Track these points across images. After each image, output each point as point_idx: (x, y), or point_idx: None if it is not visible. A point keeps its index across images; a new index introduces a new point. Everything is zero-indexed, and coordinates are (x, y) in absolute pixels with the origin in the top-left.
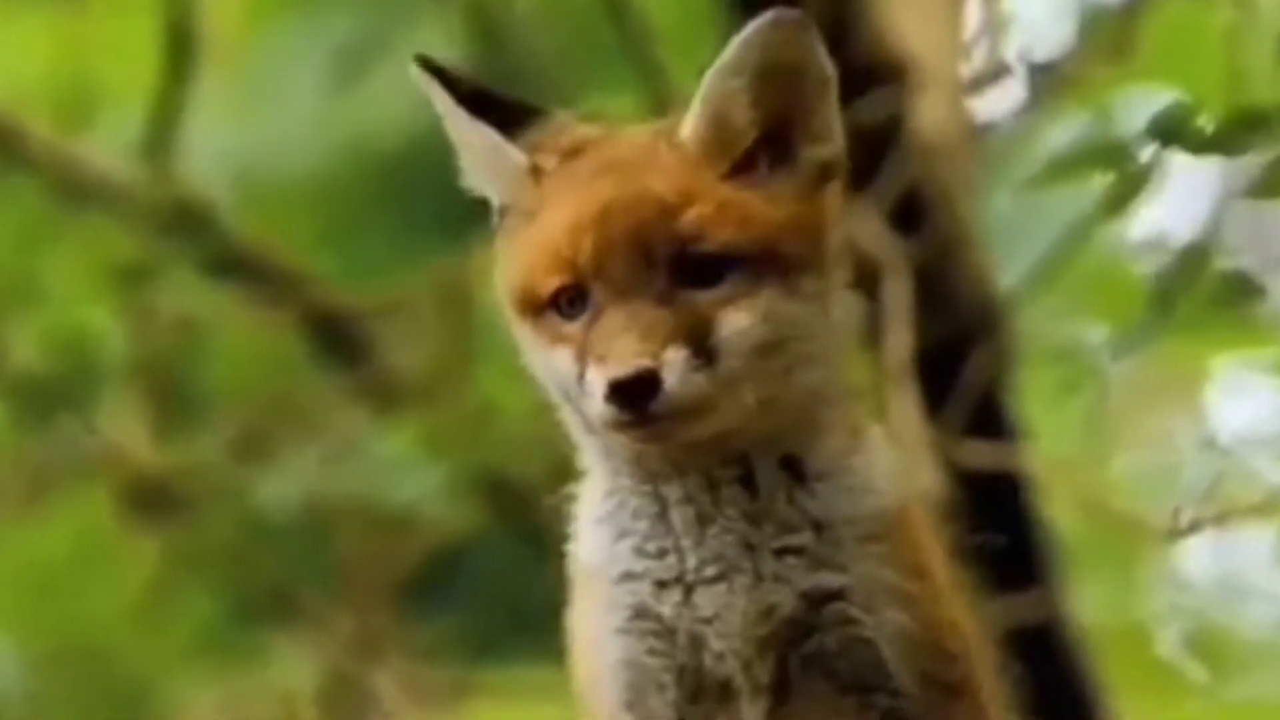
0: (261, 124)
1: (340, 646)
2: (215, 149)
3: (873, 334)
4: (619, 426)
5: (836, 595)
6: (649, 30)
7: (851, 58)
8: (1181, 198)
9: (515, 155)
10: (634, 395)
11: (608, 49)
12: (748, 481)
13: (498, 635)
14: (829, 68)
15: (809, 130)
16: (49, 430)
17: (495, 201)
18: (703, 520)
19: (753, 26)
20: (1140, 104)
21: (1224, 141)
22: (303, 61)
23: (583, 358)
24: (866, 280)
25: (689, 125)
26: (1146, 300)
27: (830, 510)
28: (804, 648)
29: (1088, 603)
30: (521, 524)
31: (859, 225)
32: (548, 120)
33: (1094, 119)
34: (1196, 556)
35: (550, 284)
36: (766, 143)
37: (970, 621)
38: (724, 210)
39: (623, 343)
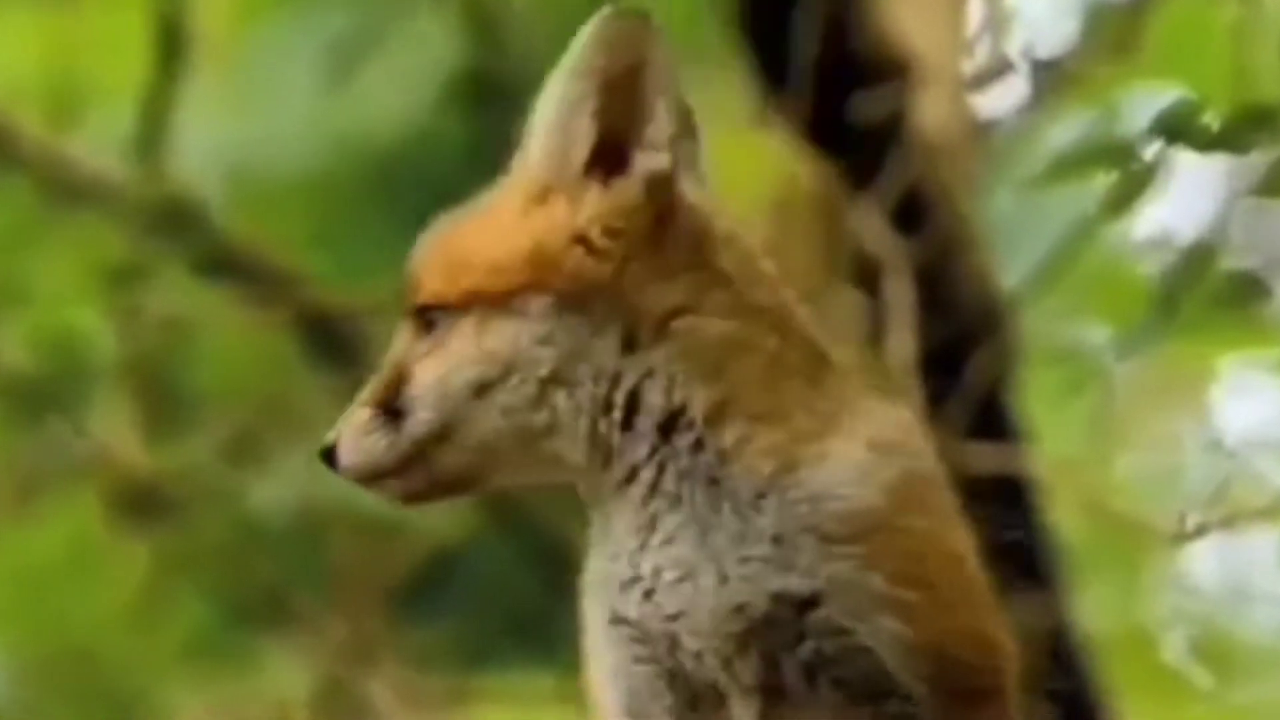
0: (253, 121)
1: (334, 652)
2: (206, 146)
3: (874, 334)
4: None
5: (814, 602)
6: None
7: (852, 54)
8: (1186, 196)
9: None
10: (332, 462)
11: None
12: (673, 499)
13: (493, 641)
14: (672, 65)
15: (642, 138)
16: (38, 432)
17: None
18: (649, 526)
19: (595, 23)
20: (1145, 101)
21: (1229, 139)
22: (295, 57)
23: None
24: (868, 280)
25: (531, 140)
26: (1151, 300)
27: (783, 524)
28: (799, 653)
29: (1092, 607)
30: (517, 528)
31: (861, 224)
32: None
33: (1098, 116)
34: (1202, 560)
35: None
36: (600, 153)
37: (1001, 627)
38: (447, 257)
39: (353, 414)
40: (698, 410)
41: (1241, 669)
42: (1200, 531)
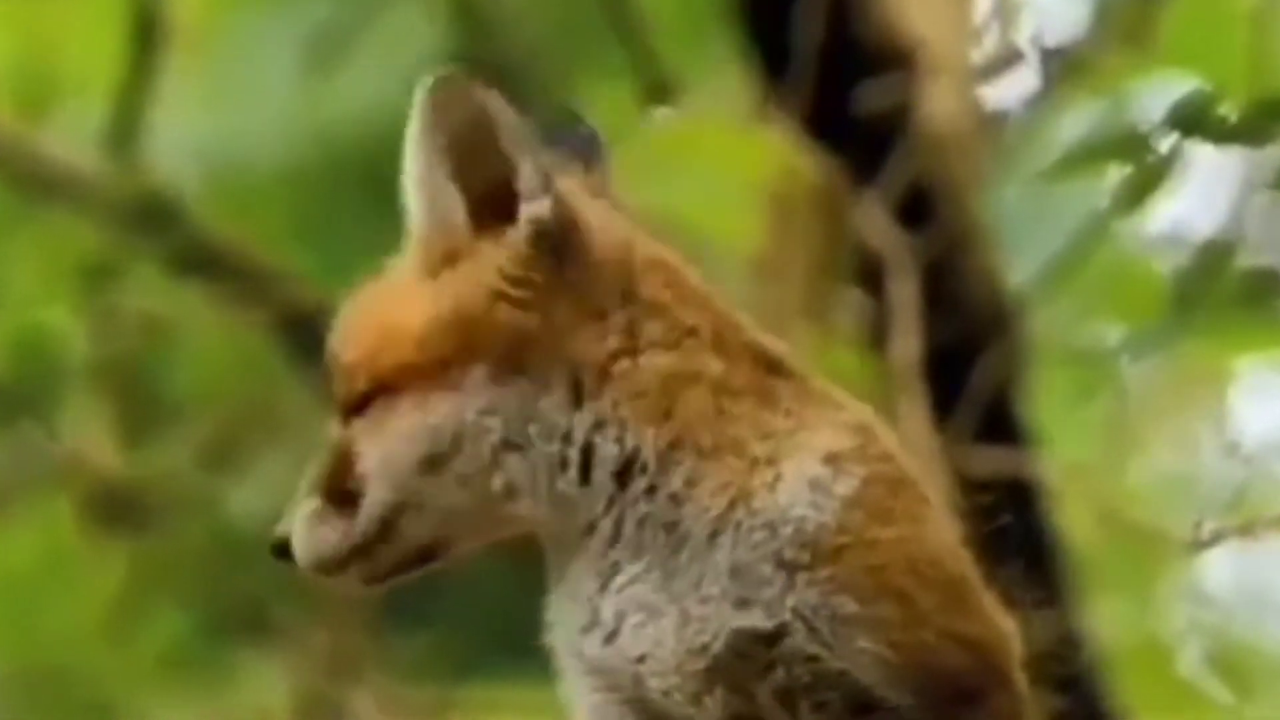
0: (232, 113)
1: (315, 663)
2: (183, 140)
3: (879, 335)
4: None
5: (778, 636)
6: (644, 13)
7: (855, 43)
8: (1203, 191)
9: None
10: (284, 554)
11: (600, 33)
12: (633, 547)
13: (479, 651)
14: (516, 117)
15: (520, 186)
16: (8, 437)
17: None
18: (608, 571)
19: (420, 96)
20: (1159, 92)
21: (1247, 131)
22: (275, 48)
23: None
24: (871, 278)
25: (414, 218)
26: (1165, 299)
27: (740, 555)
28: (771, 681)
29: (1105, 619)
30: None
31: (864, 220)
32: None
33: (1110, 108)
34: (1219, 569)
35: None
36: (481, 212)
37: (987, 619)
38: (378, 339)
39: (300, 500)
40: (649, 454)
41: (1260, 682)
42: (1217, 539)
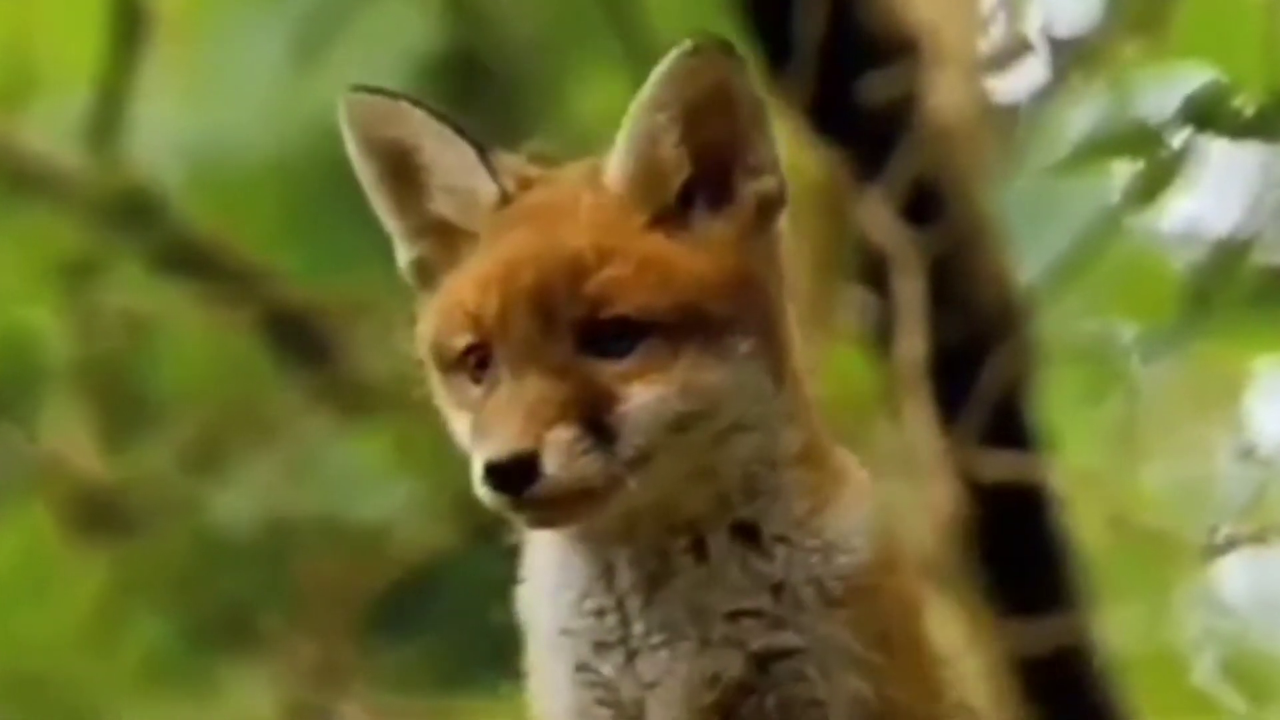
0: (216, 106)
1: (302, 674)
2: (166, 133)
3: (883, 335)
4: (499, 510)
5: (789, 654)
6: (641, 3)
7: (859, 32)
8: (1217, 186)
9: (492, 188)
10: (510, 479)
11: (596, 24)
12: (699, 549)
13: (471, 662)
14: (760, 93)
15: (745, 164)
16: None
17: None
18: (653, 583)
19: (672, 56)
20: (1172, 84)
21: (1263, 126)
22: (261, 39)
23: (474, 430)
24: (876, 276)
25: (614, 167)
26: (1179, 298)
27: (790, 573)
28: (742, 710)
29: (1117, 626)
30: (498, 543)
31: (868, 216)
32: (494, 157)
33: (1122, 101)
34: (1234, 576)
35: (459, 341)
36: (700, 183)
37: (945, 701)
38: (643, 269)
39: (505, 421)
40: (789, 453)
41: (1276, 690)
42: (1232, 545)
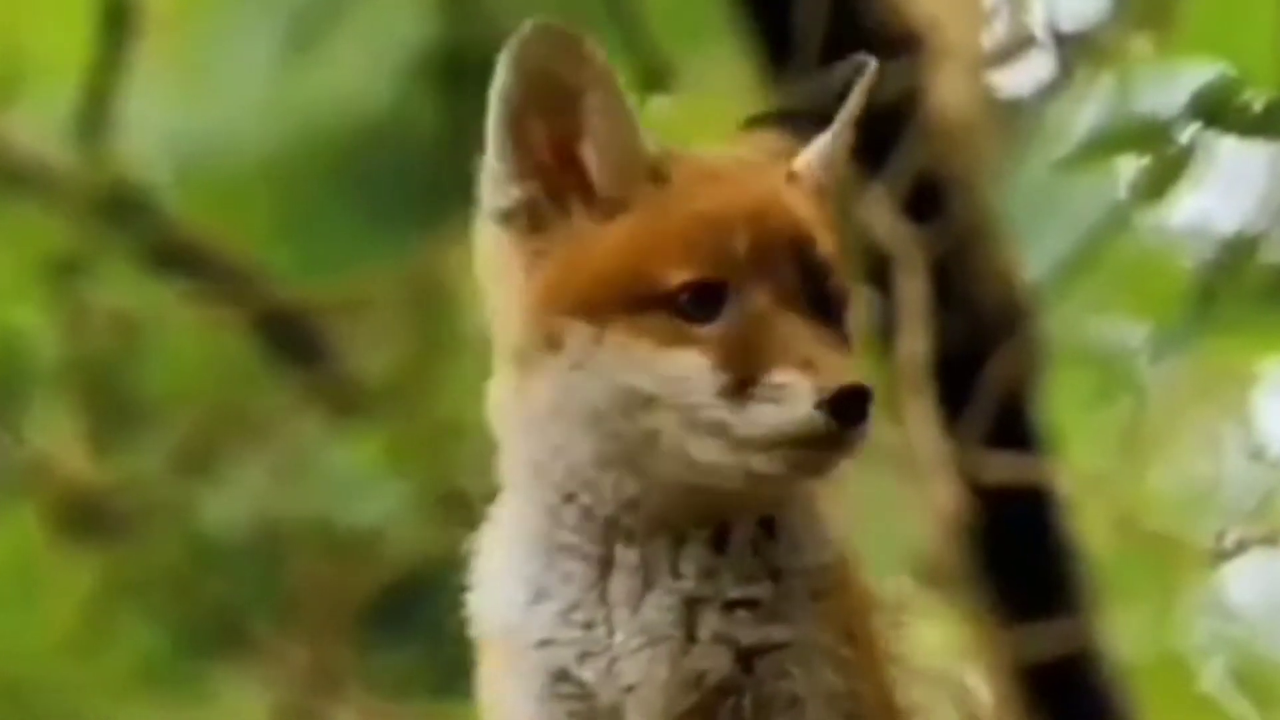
0: (207, 101)
1: (295, 679)
2: (156, 128)
3: (884, 333)
4: (798, 443)
5: (775, 648)
6: None
7: (861, 27)
8: (1226, 183)
9: (649, 144)
10: (855, 409)
11: (593, 17)
12: (719, 540)
13: (467, 667)
14: None
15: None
16: None
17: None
18: (646, 586)
19: (868, 75)
20: (1180, 79)
21: (1273, 121)
22: (253, 32)
23: (739, 363)
24: (878, 274)
25: (807, 159)
26: (1188, 296)
27: (790, 559)
28: (719, 712)
29: (1123, 632)
30: None
31: (869, 213)
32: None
33: (1128, 96)
34: (1243, 581)
35: (676, 276)
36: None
37: (893, 701)
38: (837, 255)
39: (832, 355)
40: None
41: None
42: (1241, 549)
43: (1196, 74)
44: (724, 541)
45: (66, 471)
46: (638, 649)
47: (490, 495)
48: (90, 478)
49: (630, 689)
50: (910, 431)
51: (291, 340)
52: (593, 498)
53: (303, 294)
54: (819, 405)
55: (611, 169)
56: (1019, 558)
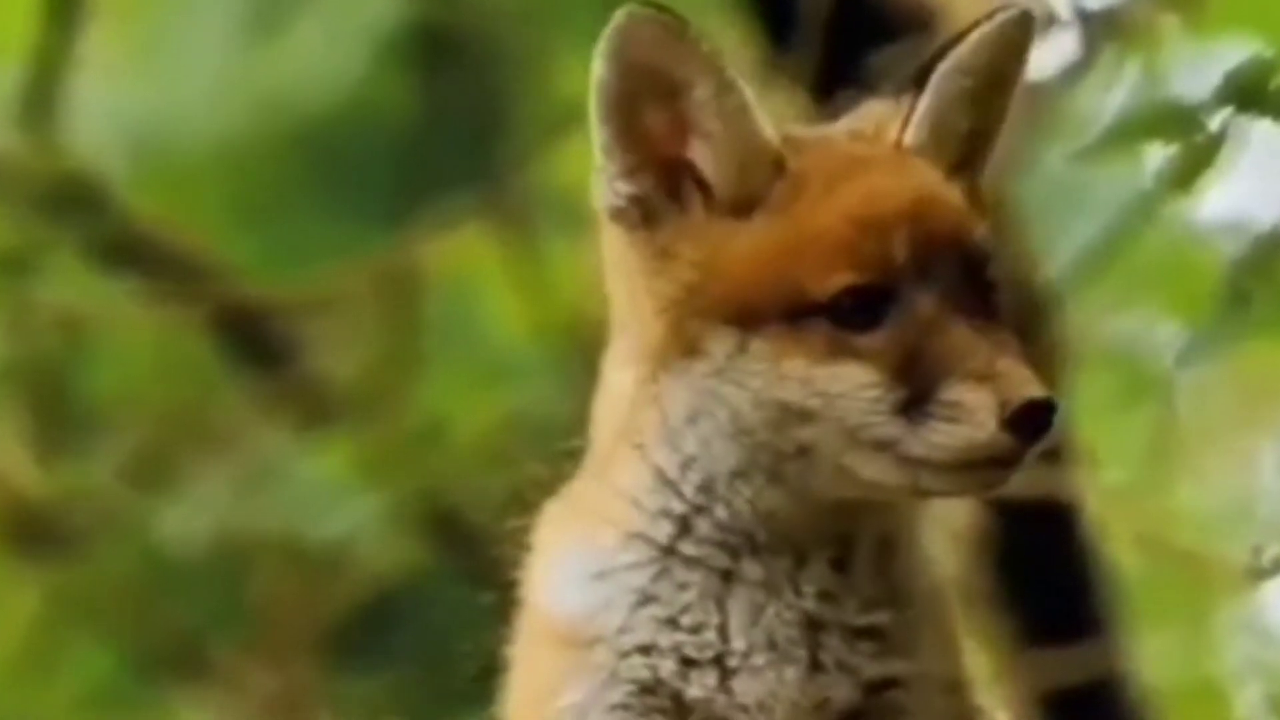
0: (162, 83)
1: (258, 706)
2: (106, 113)
3: None
4: (979, 464)
5: (898, 684)
6: None
7: (868, 5)
8: (1260, 172)
9: (771, 134)
10: (1036, 425)
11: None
12: (838, 563)
13: (443, 693)
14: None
15: (991, 145)
16: None
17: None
18: (769, 599)
19: (993, 25)
20: (1212, 61)
21: None
22: (212, 10)
23: (912, 377)
24: None
25: (915, 132)
26: (1219, 295)
27: (910, 582)
28: None
29: (1153, 656)
30: (472, 563)
31: None
32: None
33: (1157, 79)
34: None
35: (835, 282)
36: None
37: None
38: (989, 234)
39: (1009, 364)
40: None
41: None
42: (1278, 567)
43: (1229, 55)
44: (847, 561)
45: (10, 482)
46: (763, 666)
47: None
48: (36, 489)
49: (746, 709)
50: None
51: (253, 341)
52: (728, 512)
53: (265, 291)
54: (1002, 425)
55: (730, 164)
56: (1040, 576)
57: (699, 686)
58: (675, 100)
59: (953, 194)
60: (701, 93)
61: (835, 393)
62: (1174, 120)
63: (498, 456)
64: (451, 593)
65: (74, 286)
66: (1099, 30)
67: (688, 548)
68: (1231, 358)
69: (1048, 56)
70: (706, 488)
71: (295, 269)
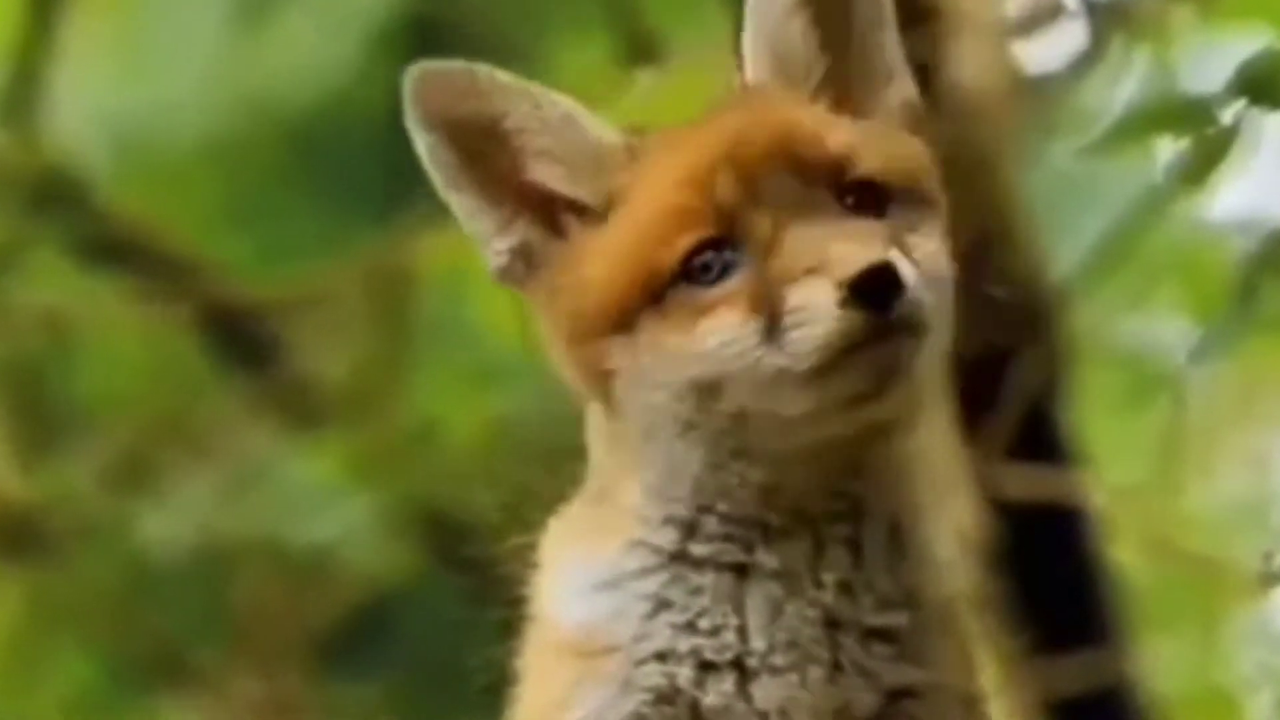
0: (147, 77)
1: (244, 715)
2: (90, 107)
3: None
4: (847, 352)
5: (916, 693)
6: None
7: None
8: (1274, 167)
9: (609, 134)
10: (878, 293)
11: None
12: (854, 544)
13: (432, 701)
14: None
15: (880, 67)
16: None
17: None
18: (787, 593)
19: None
20: (1224, 52)
21: None
22: (198, 3)
23: (764, 302)
24: None
25: (752, 71)
26: (1231, 292)
27: (923, 587)
28: None
29: (1162, 664)
30: (463, 568)
31: None
32: None
33: (1168, 70)
34: None
35: (676, 249)
36: (833, 86)
37: None
38: (866, 137)
39: (841, 246)
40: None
41: None
42: None
43: (1242, 46)
44: (860, 545)
45: None
46: (783, 669)
47: (465, 508)
48: (16, 493)
49: (766, 715)
50: (923, 442)
51: (240, 340)
52: (729, 503)
53: (253, 289)
54: (842, 303)
55: (576, 172)
56: (1046, 582)
57: (716, 693)
58: (500, 137)
59: (791, 112)
60: (518, 117)
61: (713, 350)
62: (1185, 114)
63: (490, 459)
64: (443, 598)
65: (56, 285)
66: (1107, 20)
67: (697, 548)
68: (1241, 357)
69: (1054, 47)
70: (701, 490)
71: (283, 267)
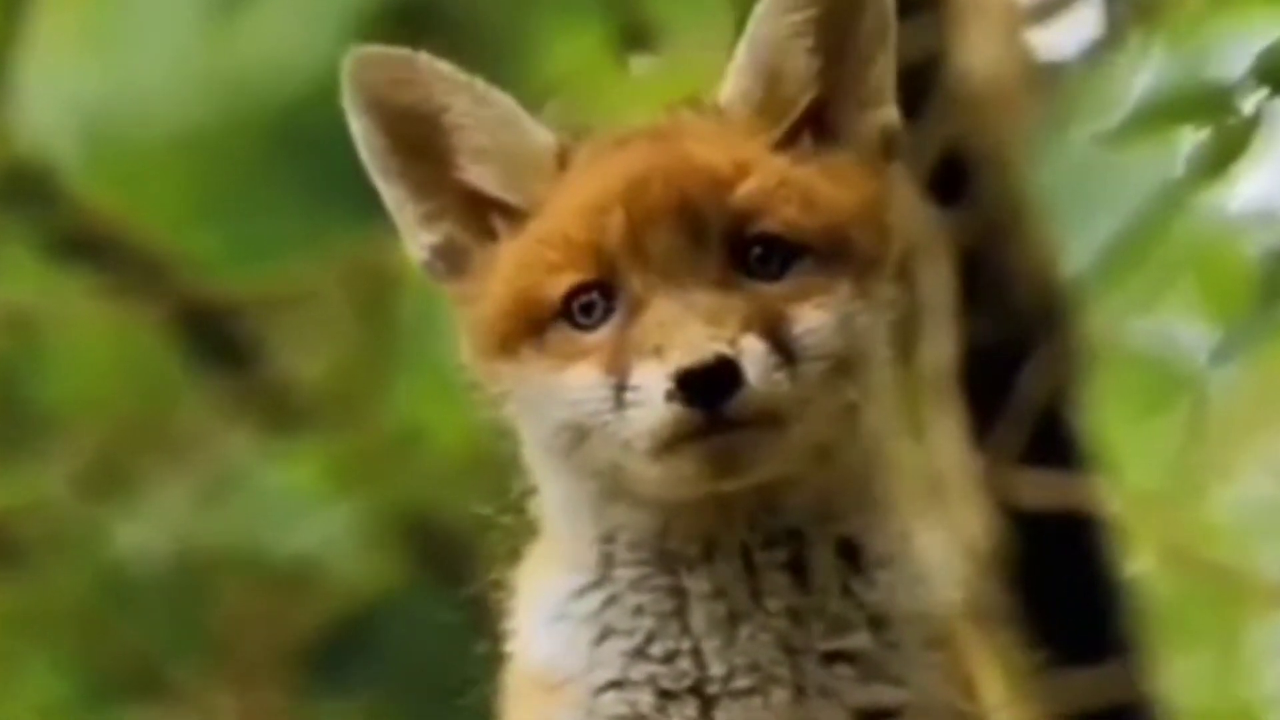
0: (119, 66)
1: None
2: (59, 97)
3: (906, 334)
4: (678, 441)
5: (890, 713)
6: None
7: None
8: None
9: (546, 137)
10: (708, 389)
11: None
12: (796, 568)
13: (418, 713)
14: (891, 12)
15: (868, 89)
16: None
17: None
18: (734, 618)
19: None
20: (1245, 39)
21: None
22: None
23: (618, 365)
24: (899, 266)
25: (733, 84)
26: (1253, 289)
27: (891, 604)
28: None
29: (1182, 678)
30: (449, 578)
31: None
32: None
33: (1186, 58)
34: None
35: (560, 284)
36: (821, 105)
37: None
38: (786, 186)
39: (688, 330)
40: (887, 453)
41: None
42: None
43: (1263, 34)
44: (802, 571)
45: None
46: (744, 692)
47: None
48: None
49: None
50: (934, 448)
51: (216, 340)
52: (631, 533)
53: (228, 287)
54: (669, 395)
55: (508, 175)
56: (1060, 592)
57: (678, 718)
58: (436, 130)
59: (707, 155)
60: (458, 113)
61: (574, 400)
62: (1205, 103)
63: (475, 465)
64: (427, 609)
65: (24, 283)
66: (1124, 7)
67: (619, 572)
68: (1264, 357)
69: (1069, 34)
70: (598, 518)
71: (260, 264)
